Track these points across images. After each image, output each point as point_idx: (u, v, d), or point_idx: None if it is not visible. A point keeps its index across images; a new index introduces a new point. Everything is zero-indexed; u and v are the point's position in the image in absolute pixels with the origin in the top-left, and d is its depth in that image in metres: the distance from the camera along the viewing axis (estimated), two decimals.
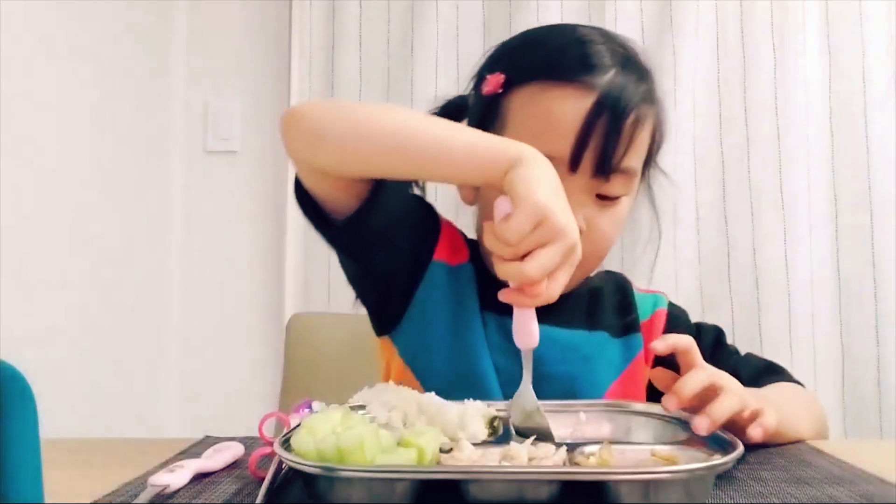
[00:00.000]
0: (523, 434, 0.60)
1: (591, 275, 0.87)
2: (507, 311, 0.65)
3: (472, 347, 0.80)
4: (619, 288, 0.91)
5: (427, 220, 0.85)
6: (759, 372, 0.86)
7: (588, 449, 0.55)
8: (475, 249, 0.86)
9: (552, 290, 0.60)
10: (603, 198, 0.78)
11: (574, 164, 0.75)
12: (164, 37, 1.75)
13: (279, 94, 1.77)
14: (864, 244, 1.60)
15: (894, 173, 1.59)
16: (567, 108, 0.75)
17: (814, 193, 1.61)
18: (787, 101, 1.61)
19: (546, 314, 0.72)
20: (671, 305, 0.91)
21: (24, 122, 1.26)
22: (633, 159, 0.78)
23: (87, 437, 0.80)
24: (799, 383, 0.86)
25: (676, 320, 0.90)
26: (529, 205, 0.58)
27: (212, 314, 1.77)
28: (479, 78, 0.84)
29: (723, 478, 0.58)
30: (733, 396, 0.63)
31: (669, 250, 1.57)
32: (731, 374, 0.67)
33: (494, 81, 0.79)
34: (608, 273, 0.93)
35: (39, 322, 1.29)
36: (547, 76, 0.77)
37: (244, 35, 1.81)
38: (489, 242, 0.60)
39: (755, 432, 0.65)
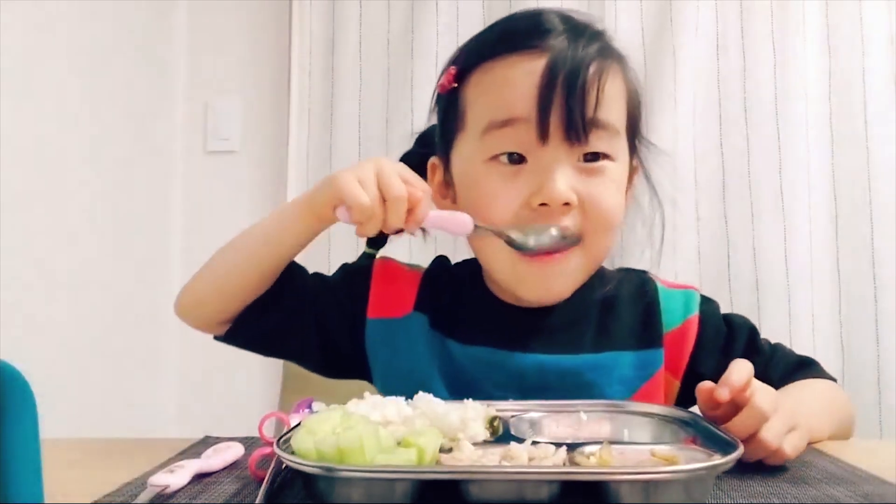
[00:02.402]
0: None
1: (607, 274, 0.81)
2: (480, 341, 0.73)
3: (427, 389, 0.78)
4: (641, 292, 0.82)
5: (347, 288, 0.84)
6: (789, 370, 0.82)
7: (588, 449, 0.55)
8: (435, 290, 0.83)
9: (416, 190, 0.69)
10: (588, 161, 0.73)
11: (543, 130, 0.71)
12: (164, 37, 1.76)
13: (279, 94, 1.77)
14: (864, 244, 1.60)
15: (894, 174, 1.59)
16: (519, 72, 0.72)
17: (814, 193, 1.61)
18: (787, 101, 1.61)
19: (548, 343, 0.74)
20: (703, 304, 0.82)
21: (25, 122, 1.26)
22: (605, 112, 0.72)
23: (87, 437, 0.80)
24: (831, 378, 0.82)
25: (708, 322, 0.81)
26: (339, 186, 0.68)
27: None
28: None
29: (723, 478, 0.58)
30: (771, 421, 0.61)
31: (669, 251, 1.57)
32: (762, 377, 0.64)
33: (447, 77, 0.77)
34: (627, 272, 0.85)
35: (39, 322, 1.29)
36: (495, 52, 0.74)
37: (244, 35, 1.81)
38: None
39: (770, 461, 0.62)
